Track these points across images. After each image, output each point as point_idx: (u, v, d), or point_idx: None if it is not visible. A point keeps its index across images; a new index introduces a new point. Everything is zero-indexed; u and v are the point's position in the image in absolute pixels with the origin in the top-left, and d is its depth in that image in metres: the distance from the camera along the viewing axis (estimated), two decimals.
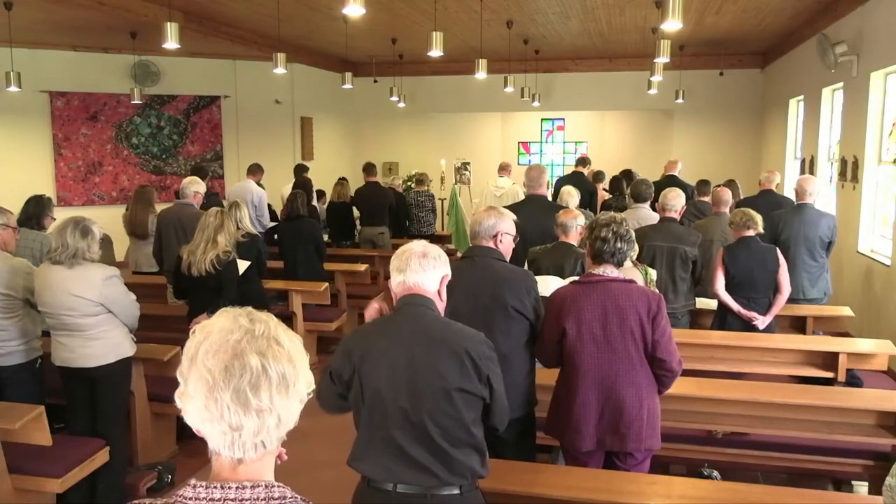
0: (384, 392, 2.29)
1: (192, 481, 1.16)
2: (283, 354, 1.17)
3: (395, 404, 2.28)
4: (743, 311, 4.84)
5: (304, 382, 1.20)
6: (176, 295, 5.06)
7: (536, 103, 12.23)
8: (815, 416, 3.82)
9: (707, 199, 6.81)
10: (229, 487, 1.13)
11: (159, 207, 6.72)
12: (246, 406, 1.12)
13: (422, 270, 2.38)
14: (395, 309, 2.44)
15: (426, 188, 9.84)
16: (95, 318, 3.79)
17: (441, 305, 2.46)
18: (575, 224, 4.40)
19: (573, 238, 4.40)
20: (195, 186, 6.24)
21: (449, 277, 2.48)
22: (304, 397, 1.21)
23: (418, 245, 2.44)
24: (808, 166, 9.04)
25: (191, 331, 1.21)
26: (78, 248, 3.67)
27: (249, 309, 1.23)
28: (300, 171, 9.44)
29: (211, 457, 1.18)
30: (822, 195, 7.74)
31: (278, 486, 1.16)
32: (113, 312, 3.85)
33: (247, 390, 1.12)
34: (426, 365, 2.28)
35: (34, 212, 5.03)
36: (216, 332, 1.16)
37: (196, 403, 1.14)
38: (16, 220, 4.26)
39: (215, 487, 1.14)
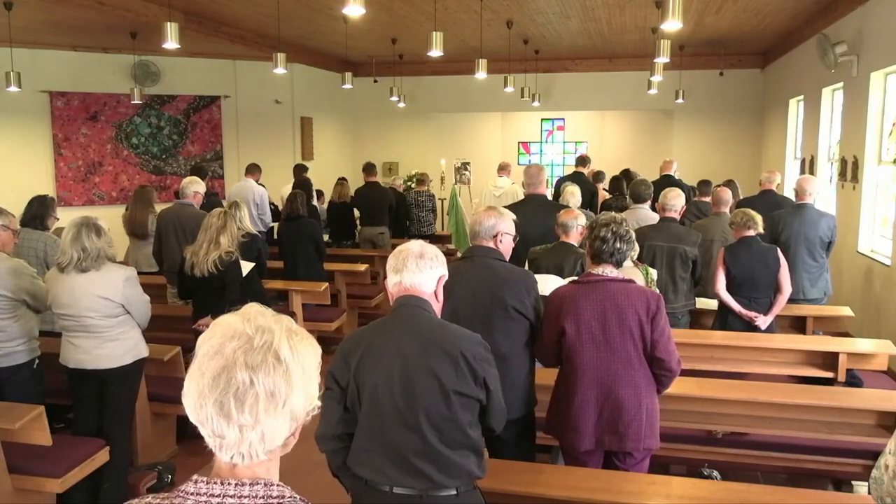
0: (380, 393, 2.27)
1: (195, 477, 1.16)
2: (279, 370, 1.12)
3: (391, 405, 2.26)
4: (744, 312, 4.84)
5: (300, 398, 1.15)
6: (180, 295, 5.06)
7: (536, 103, 12.23)
8: (815, 416, 3.82)
9: (708, 199, 6.81)
10: (229, 484, 1.13)
11: (159, 207, 6.73)
12: (228, 418, 1.10)
13: (418, 271, 2.35)
14: (391, 310, 2.42)
15: (426, 188, 9.85)
16: (116, 320, 3.80)
17: (437, 306, 2.43)
18: (576, 224, 4.40)
19: (574, 238, 4.39)
20: (195, 186, 6.25)
21: (446, 278, 2.45)
22: (298, 415, 1.16)
23: (415, 245, 2.41)
24: (808, 166, 9.04)
25: (198, 326, 1.20)
26: (100, 248, 3.68)
27: (264, 311, 1.19)
28: (299, 171, 9.45)
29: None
30: (822, 195, 7.74)
31: (278, 486, 1.16)
32: (130, 313, 3.87)
33: (231, 403, 1.10)
34: (421, 366, 2.25)
35: (38, 212, 5.02)
36: (219, 334, 1.15)
37: (188, 403, 1.14)
38: (18, 222, 4.25)
39: (216, 483, 1.14)
